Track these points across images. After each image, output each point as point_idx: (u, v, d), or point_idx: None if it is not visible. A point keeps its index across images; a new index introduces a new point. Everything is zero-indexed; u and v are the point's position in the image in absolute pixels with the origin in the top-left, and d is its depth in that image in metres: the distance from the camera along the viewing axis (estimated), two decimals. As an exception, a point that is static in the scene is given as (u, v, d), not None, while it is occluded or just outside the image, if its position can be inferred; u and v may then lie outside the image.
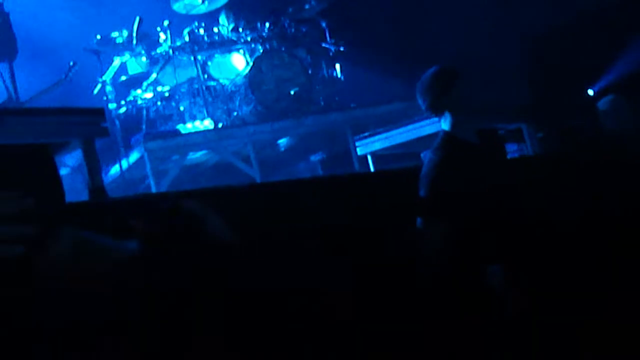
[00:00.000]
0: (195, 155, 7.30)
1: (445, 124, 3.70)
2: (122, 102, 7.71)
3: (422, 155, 5.52)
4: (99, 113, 4.13)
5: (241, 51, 7.80)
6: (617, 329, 3.66)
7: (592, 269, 4.15)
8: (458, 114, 3.67)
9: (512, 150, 6.01)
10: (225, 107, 7.52)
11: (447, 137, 3.69)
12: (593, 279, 4.12)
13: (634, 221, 4.30)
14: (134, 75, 7.85)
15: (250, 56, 7.71)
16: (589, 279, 4.09)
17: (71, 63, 6.86)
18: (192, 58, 7.43)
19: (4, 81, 6.27)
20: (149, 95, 7.62)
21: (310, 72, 7.70)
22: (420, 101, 3.77)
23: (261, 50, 7.67)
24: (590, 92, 6.49)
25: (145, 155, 6.71)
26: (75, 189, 4.84)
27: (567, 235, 4.16)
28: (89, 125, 4.01)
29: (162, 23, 7.57)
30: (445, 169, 3.52)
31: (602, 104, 5.93)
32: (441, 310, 3.38)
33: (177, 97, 7.59)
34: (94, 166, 4.05)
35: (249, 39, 7.72)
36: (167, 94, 7.59)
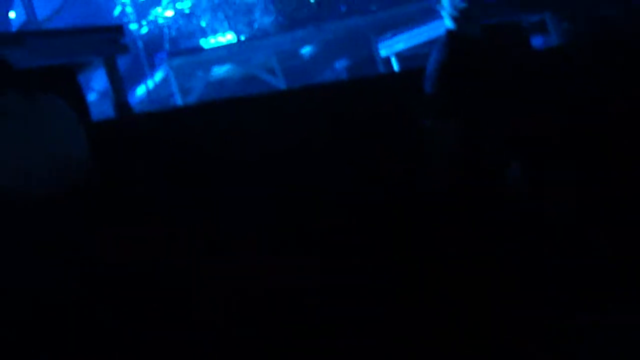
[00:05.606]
0: (220, 71, 7.29)
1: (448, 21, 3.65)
2: (144, 22, 7.70)
3: None
4: (118, 30, 4.16)
5: (259, -39, 7.68)
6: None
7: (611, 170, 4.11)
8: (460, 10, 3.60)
9: (538, 43, 5.90)
10: (246, 20, 7.46)
11: (449, 34, 3.64)
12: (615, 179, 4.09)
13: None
14: (153, -6, 7.81)
15: (268, -34, 7.60)
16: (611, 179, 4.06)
17: None
18: (210, -29, 7.36)
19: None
20: (169, 13, 7.59)
21: (329, -23, 7.58)
22: None
23: (278, -42, 7.56)
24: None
25: (170, 72, 6.72)
26: (103, 113, 4.91)
27: (591, 129, 4.11)
28: (108, 43, 4.05)
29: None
30: (450, 67, 3.47)
31: None
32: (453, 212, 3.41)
33: (197, 13, 7.55)
34: (117, 83, 4.11)
35: (265, -52, 7.60)
36: (187, 11, 7.56)
